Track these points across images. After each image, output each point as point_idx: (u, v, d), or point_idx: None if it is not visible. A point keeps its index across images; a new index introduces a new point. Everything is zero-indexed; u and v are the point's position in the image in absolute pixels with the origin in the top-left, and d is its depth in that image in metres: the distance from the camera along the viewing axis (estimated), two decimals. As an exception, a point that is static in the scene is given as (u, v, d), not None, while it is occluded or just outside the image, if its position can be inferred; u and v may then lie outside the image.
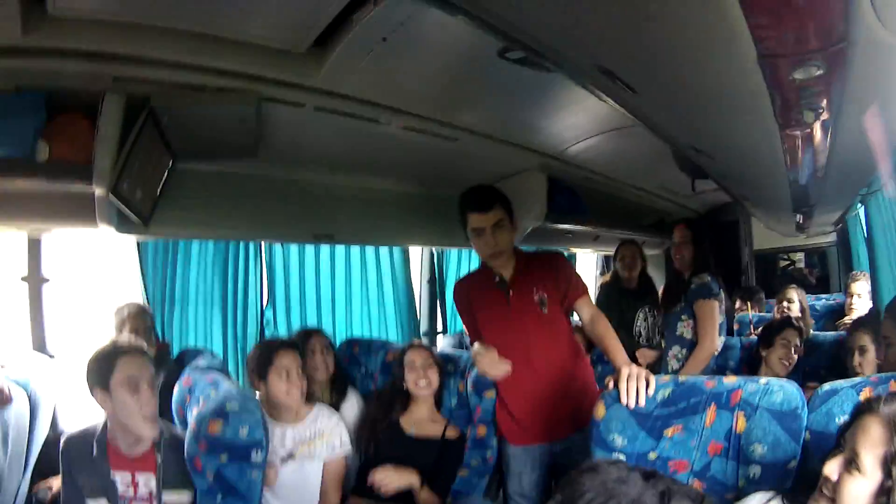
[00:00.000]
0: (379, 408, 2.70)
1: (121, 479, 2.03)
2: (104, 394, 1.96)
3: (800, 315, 4.27)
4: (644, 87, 1.61)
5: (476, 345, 2.41)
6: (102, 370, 1.96)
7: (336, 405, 2.77)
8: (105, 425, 2.05)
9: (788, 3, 1.04)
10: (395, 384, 2.68)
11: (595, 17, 1.17)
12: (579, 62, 1.54)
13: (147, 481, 2.04)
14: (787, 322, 3.28)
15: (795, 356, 3.11)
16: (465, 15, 1.33)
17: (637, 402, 1.78)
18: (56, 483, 2.26)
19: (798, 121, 1.64)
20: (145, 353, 2.06)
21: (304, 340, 2.81)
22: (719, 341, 3.26)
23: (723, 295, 3.23)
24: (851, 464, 1.25)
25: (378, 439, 2.58)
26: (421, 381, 2.59)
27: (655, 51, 1.32)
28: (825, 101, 1.52)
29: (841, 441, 1.33)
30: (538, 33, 1.38)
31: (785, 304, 4.42)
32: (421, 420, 2.62)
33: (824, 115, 1.60)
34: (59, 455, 2.09)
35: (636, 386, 1.80)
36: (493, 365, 2.32)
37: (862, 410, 1.32)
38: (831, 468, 1.28)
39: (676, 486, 0.85)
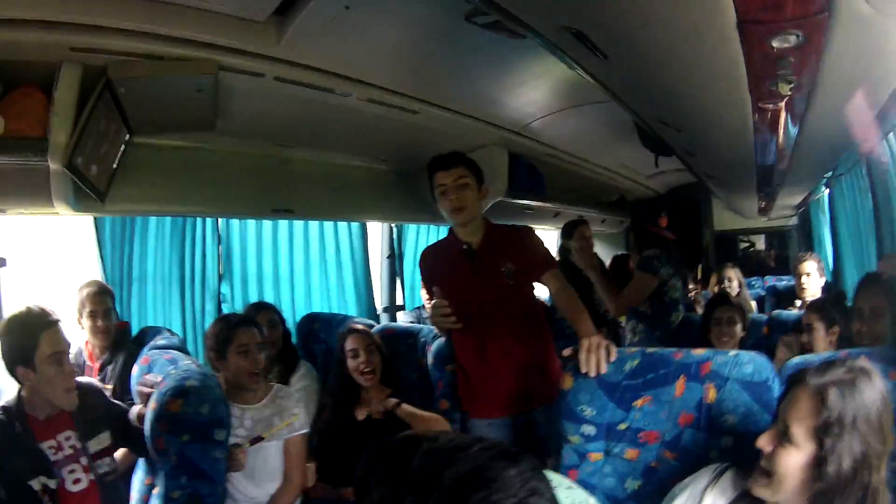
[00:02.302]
0: (329, 401, 2.69)
1: (47, 446, 1.96)
2: (26, 370, 1.90)
3: (738, 291, 4.42)
4: (615, 52, 1.58)
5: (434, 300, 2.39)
6: (24, 346, 1.89)
7: (286, 379, 2.78)
8: (18, 402, 1.96)
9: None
10: (341, 372, 2.63)
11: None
12: (549, 24, 1.51)
13: (68, 439, 1.99)
14: (714, 299, 3.34)
15: (733, 329, 3.14)
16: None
17: (599, 370, 1.77)
18: None
19: (772, 93, 1.64)
20: (61, 323, 1.99)
21: (253, 315, 2.78)
22: (675, 315, 3.34)
23: (669, 271, 3.27)
24: (784, 436, 1.26)
25: (331, 431, 2.56)
26: (364, 368, 2.57)
27: (629, 12, 1.29)
28: (801, 74, 1.52)
29: (778, 413, 1.34)
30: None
31: (725, 283, 4.56)
32: (370, 403, 2.59)
33: (798, 90, 1.61)
34: None
35: (596, 356, 1.78)
36: (444, 317, 2.31)
37: (793, 382, 1.32)
38: (764, 440, 1.29)
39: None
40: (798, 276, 4.21)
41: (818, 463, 1.22)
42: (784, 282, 5.48)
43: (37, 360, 1.88)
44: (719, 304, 3.23)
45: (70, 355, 1.99)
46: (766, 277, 5.84)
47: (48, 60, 1.83)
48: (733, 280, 4.76)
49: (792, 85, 1.57)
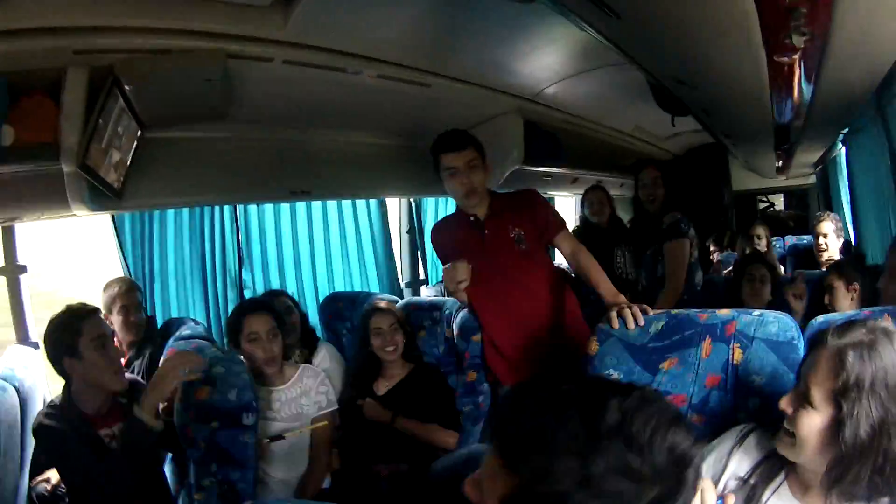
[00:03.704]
0: (351, 378, 2.73)
1: (104, 434, 2.03)
2: (72, 360, 1.96)
3: (766, 250, 4.38)
4: (627, 11, 1.56)
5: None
6: (67, 337, 1.96)
7: (308, 360, 2.80)
8: (67, 395, 2.03)
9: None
10: (363, 349, 2.66)
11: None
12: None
13: (121, 429, 2.04)
14: (747, 257, 3.31)
15: (764, 287, 3.11)
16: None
17: (637, 323, 1.78)
18: (53, 475, 2.25)
19: (786, 46, 1.61)
20: (99, 311, 2.10)
21: (271, 301, 2.78)
22: (699, 276, 3.32)
23: (692, 232, 3.23)
24: (804, 398, 1.24)
25: (353, 407, 2.58)
26: (388, 347, 2.58)
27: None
28: (814, 25, 1.49)
29: (800, 374, 1.32)
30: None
31: (755, 240, 4.54)
32: (392, 378, 2.62)
33: (812, 41, 1.58)
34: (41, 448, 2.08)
35: (630, 314, 1.80)
36: (458, 270, 2.35)
37: (814, 343, 1.30)
38: (785, 402, 1.28)
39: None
40: (815, 236, 4.18)
41: (836, 427, 1.19)
42: (805, 241, 5.42)
43: (81, 348, 1.96)
44: (753, 262, 3.20)
45: (110, 339, 2.05)
46: (787, 237, 5.77)
47: (54, 66, 1.84)
48: (762, 238, 4.73)
49: (805, 37, 1.54)
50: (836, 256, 3.99)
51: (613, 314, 1.80)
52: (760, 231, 4.74)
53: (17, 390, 2.19)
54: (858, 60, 1.96)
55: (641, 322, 1.77)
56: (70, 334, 1.96)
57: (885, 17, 1.58)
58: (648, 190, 3.39)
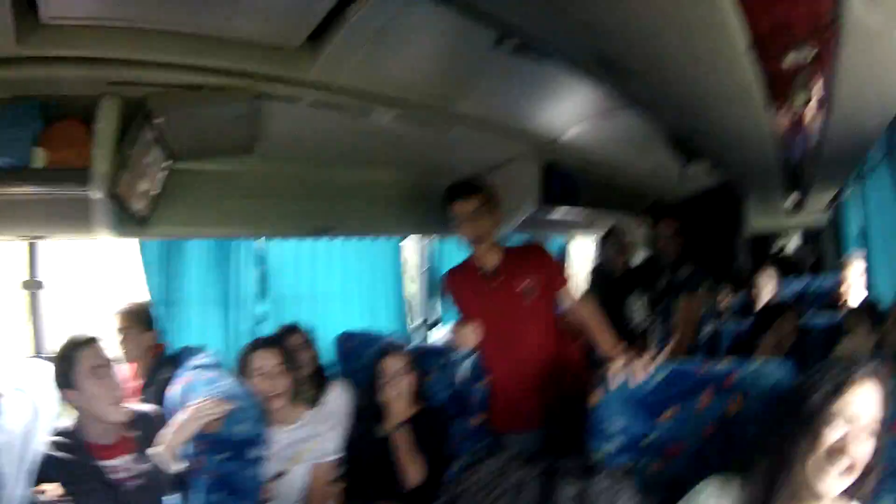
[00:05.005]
0: (357, 418, 2.74)
1: (109, 465, 2.03)
2: (72, 391, 1.98)
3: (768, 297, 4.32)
4: (637, 76, 1.62)
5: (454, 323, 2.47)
6: (66, 368, 1.98)
7: (316, 399, 2.79)
8: (76, 424, 2.05)
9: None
10: (370, 390, 2.65)
11: (589, 11, 1.19)
12: (573, 53, 1.56)
13: (132, 461, 2.06)
14: (781, 308, 3.29)
15: (792, 340, 3.11)
16: (458, 9, 1.34)
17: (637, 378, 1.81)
18: (48, 488, 2.26)
19: (790, 104, 1.66)
20: (99, 341, 2.07)
21: (283, 338, 2.81)
22: (709, 327, 3.30)
23: (708, 286, 3.24)
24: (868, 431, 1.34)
25: (357, 448, 2.60)
26: (394, 392, 2.57)
27: (649, 41, 1.33)
28: (816, 85, 1.54)
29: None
30: (533, 24, 1.39)
31: (759, 286, 4.45)
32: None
33: (815, 98, 1.62)
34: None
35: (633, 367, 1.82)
36: (464, 335, 2.42)
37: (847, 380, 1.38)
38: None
39: (563, 462, 0.85)
40: (843, 278, 4.14)
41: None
42: (816, 283, 5.36)
43: (77, 379, 1.97)
44: (786, 313, 3.17)
45: (108, 370, 2.04)
46: (800, 278, 5.72)
47: (88, 94, 1.89)
48: (766, 284, 4.46)
49: (809, 96, 1.59)
50: (860, 299, 3.96)
51: (614, 370, 1.83)
52: (765, 278, 4.50)
53: (31, 401, 2.24)
54: (865, 108, 1.97)
55: (643, 377, 1.81)
56: (66, 365, 1.98)
57: (890, 62, 1.61)
58: (664, 243, 3.39)
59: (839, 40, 1.28)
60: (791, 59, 1.35)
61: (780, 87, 1.55)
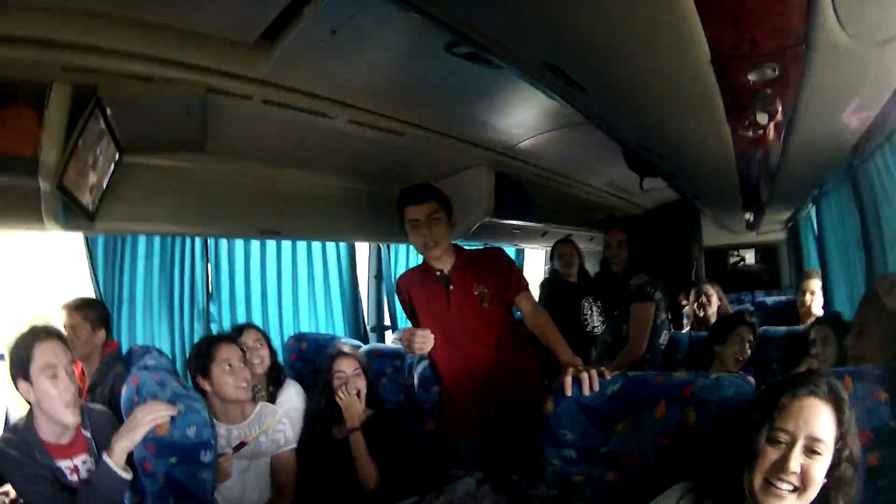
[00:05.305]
0: (310, 420, 2.73)
1: (64, 466, 1.99)
2: (27, 384, 1.92)
3: (715, 311, 4.42)
4: (592, 86, 1.60)
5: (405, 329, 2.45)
6: (22, 360, 1.92)
7: (273, 397, 2.79)
8: (29, 420, 1.99)
9: (744, 5, 1.04)
10: (324, 392, 2.66)
11: (544, 14, 1.16)
12: (527, 59, 1.54)
13: (84, 462, 2.02)
14: (739, 317, 3.34)
15: (749, 352, 3.16)
16: (414, 10, 1.31)
17: (591, 388, 1.79)
18: (10, 489, 2.18)
19: (751, 122, 1.66)
20: (61, 337, 2.02)
21: (238, 335, 2.81)
22: (664, 336, 3.34)
23: (660, 294, 3.27)
24: (810, 450, 1.35)
25: (310, 450, 2.58)
26: (348, 395, 2.57)
27: (605, 49, 1.31)
28: (780, 103, 1.53)
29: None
30: (486, 28, 1.36)
31: (703, 299, 4.52)
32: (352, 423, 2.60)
33: (778, 117, 1.62)
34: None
35: (588, 376, 1.81)
36: (417, 340, 2.36)
37: (792, 396, 1.40)
38: (795, 463, 1.35)
39: (533, 490, 0.84)
40: (803, 292, 4.23)
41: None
42: (773, 297, 5.48)
43: (32, 374, 1.90)
44: (745, 324, 3.22)
45: (65, 369, 1.97)
46: (756, 292, 5.84)
47: (40, 79, 1.83)
48: (712, 297, 4.58)
49: (771, 115, 1.59)
50: (818, 314, 4.04)
51: (568, 379, 1.82)
52: (710, 290, 4.60)
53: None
54: (827, 131, 2.00)
55: (596, 387, 1.80)
56: (23, 356, 1.92)
57: (852, 91, 1.62)
58: (612, 251, 3.45)
59: (807, 59, 1.28)
60: (754, 76, 1.34)
61: (742, 103, 1.54)
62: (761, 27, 1.12)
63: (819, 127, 1.92)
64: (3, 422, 2.32)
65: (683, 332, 4.15)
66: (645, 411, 1.73)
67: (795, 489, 1.33)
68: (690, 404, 1.70)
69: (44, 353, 1.92)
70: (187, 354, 3.13)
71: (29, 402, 1.98)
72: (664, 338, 3.36)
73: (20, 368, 1.91)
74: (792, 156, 2.24)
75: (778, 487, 1.34)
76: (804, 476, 1.33)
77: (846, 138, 2.13)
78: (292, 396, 2.86)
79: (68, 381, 1.97)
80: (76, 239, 2.84)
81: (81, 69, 1.83)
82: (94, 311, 2.67)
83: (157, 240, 3.12)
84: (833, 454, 1.35)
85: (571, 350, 2.26)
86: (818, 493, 1.34)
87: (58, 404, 1.94)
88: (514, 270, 2.59)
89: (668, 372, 1.83)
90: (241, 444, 2.33)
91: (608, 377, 1.81)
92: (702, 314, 4.50)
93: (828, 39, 1.18)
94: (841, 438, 1.35)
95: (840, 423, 1.36)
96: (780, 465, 1.34)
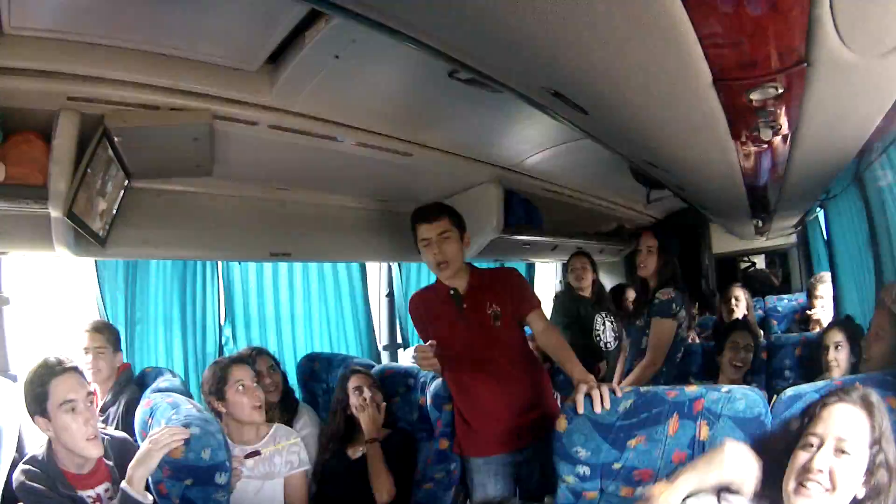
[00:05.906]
0: (325, 440, 2.73)
1: (86, 496, 1.98)
2: (44, 420, 1.91)
3: (745, 314, 4.33)
4: (594, 109, 1.60)
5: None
6: (38, 396, 1.90)
7: (288, 424, 2.75)
8: (49, 451, 1.98)
9: (744, 29, 1.04)
10: (339, 411, 2.68)
11: (543, 44, 1.16)
12: (528, 85, 1.54)
13: (107, 490, 2.02)
14: (733, 324, 3.32)
15: (749, 356, 3.14)
16: (413, 42, 1.32)
17: (602, 405, 1.80)
18: None
19: (755, 138, 1.66)
20: (77, 370, 2.00)
21: (252, 361, 2.76)
22: (681, 352, 3.27)
23: (684, 313, 3.20)
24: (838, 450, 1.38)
25: (326, 471, 2.60)
26: (362, 414, 2.59)
27: (606, 75, 1.31)
28: (783, 119, 1.53)
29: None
30: (485, 56, 1.37)
31: (732, 303, 4.45)
32: (363, 442, 2.62)
33: (782, 132, 1.62)
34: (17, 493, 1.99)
35: (600, 394, 1.81)
36: (430, 359, 2.34)
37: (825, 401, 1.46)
38: (821, 461, 1.37)
39: None
40: (814, 297, 4.19)
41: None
42: (784, 301, 5.43)
43: (50, 409, 1.90)
44: (738, 329, 3.22)
45: (84, 403, 1.96)
46: (767, 297, 5.80)
47: (47, 108, 1.86)
48: (741, 300, 4.47)
49: (775, 130, 1.59)
50: (830, 318, 4.02)
51: (580, 397, 1.82)
52: (738, 293, 4.51)
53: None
54: (832, 141, 2.00)
55: (608, 405, 1.80)
56: (40, 393, 1.91)
57: (855, 103, 1.62)
58: (642, 257, 3.38)
59: (810, 76, 1.28)
60: (757, 95, 1.34)
61: (745, 121, 1.54)
62: (762, 49, 1.12)
63: (824, 137, 1.91)
64: (16, 443, 2.32)
65: (697, 342, 4.11)
66: (658, 426, 1.74)
67: (825, 490, 1.34)
68: (703, 418, 1.70)
69: (61, 389, 1.91)
70: (200, 376, 3.16)
71: (48, 436, 1.97)
72: (681, 353, 3.30)
73: (37, 405, 1.90)
74: (797, 165, 2.24)
75: (806, 487, 1.35)
76: (832, 476, 1.34)
77: (851, 145, 2.12)
78: (307, 423, 2.84)
79: (88, 415, 1.95)
80: (86, 261, 2.83)
81: (87, 99, 1.86)
82: (113, 334, 2.68)
83: (168, 262, 3.12)
84: (868, 460, 1.36)
85: (583, 366, 2.26)
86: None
87: (78, 438, 1.93)
88: (526, 289, 2.59)
89: (680, 386, 1.82)
90: (255, 453, 2.35)
91: (619, 394, 1.81)
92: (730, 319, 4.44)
93: (830, 55, 1.17)
94: (876, 443, 1.37)
95: (873, 427, 1.37)
96: (808, 466, 1.36)
